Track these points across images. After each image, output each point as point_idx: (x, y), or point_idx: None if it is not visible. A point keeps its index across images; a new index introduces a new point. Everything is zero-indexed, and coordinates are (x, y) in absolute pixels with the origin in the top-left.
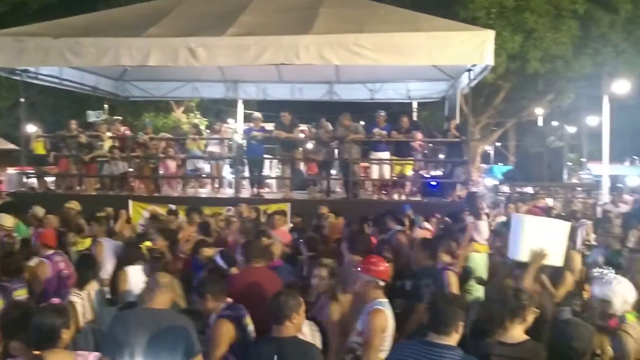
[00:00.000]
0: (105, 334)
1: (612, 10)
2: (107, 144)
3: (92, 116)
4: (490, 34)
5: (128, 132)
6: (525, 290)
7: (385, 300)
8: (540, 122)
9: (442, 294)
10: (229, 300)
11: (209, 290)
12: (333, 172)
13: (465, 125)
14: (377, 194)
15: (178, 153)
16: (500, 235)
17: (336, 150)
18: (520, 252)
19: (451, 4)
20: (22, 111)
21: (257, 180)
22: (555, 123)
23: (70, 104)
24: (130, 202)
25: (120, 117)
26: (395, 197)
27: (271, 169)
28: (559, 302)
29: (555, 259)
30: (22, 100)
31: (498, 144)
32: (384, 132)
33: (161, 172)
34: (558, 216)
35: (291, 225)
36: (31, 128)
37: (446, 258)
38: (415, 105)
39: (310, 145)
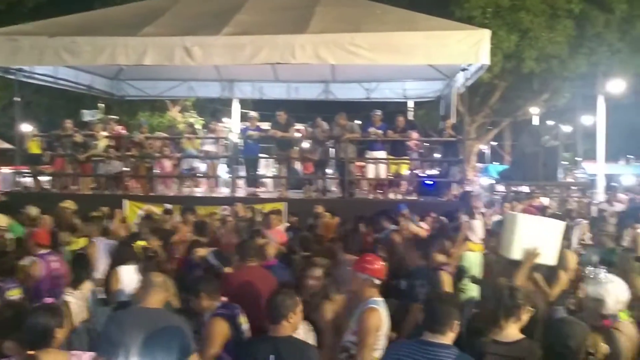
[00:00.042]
0: (100, 334)
1: (607, 10)
2: (103, 143)
3: (88, 115)
4: (486, 33)
5: (123, 132)
6: (521, 289)
7: (380, 299)
8: (535, 122)
9: (437, 293)
10: (224, 299)
11: (204, 289)
12: (329, 171)
13: (461, 125)
14: (373, 193)
15: (174, 152)
16: (495, 234)
17: (332, 150)
18: (514, 250)
19: (447, 3)
20: (17, 110)
21: (253, 180)
22: (550, 122)
23: (65, 103)
24: (126, 202)
25: (115, 117)
26: (391, 196)
27: (267, 168)
28: (553, 301)
29: (548, 257)
30: (17, 99)
31: (494, 143)
32: (380, 132)
33: (157, 171)
34: (553, 215)
35: (287, 224)
36: (26, 127)
37: (440, 258)
38: (411, 104)
39: (306, 145)
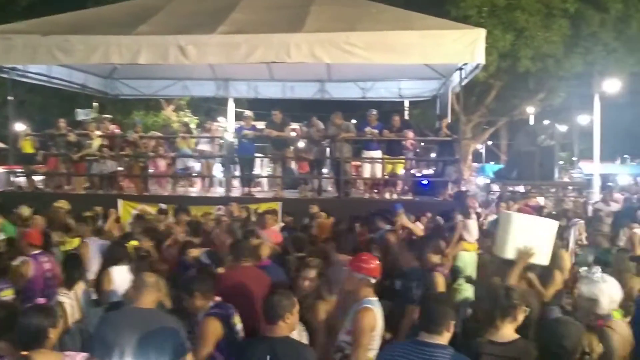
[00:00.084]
0: (93, 335)
1: (602, 9)
2: (96, 142)
3: (81, 114)
4: (482, 32)
5: (117, 131)
6: (516, 289)
7: (375, 298)
8: (531, 121)
9: (433, 294)
10: (218, 298)
11: (198, 288)
12: (324, 171)
13: (456, 124)
14: (368, 192)
15: (168, 152)
16: (491, 234)
17: (327, 149)
18: (507, 250)
19: (443, 2)
20: (10, 109)
21: (248, 179)
22: (546, 122)
23: (59, 102)
24: (120, 202)
25: (109, 116)
26: (387, 196)
27: (262, 167)
28: (548, 302)
29: (541, 257)
30: (10, 98)
31: (490, 142)
32: (376, 131)
33: (151, 171)
34: (549, 215)
35: (282, 224)
36: (19, 126)
37: (435, 259)
38: (406, 104)
39: (301, 144)
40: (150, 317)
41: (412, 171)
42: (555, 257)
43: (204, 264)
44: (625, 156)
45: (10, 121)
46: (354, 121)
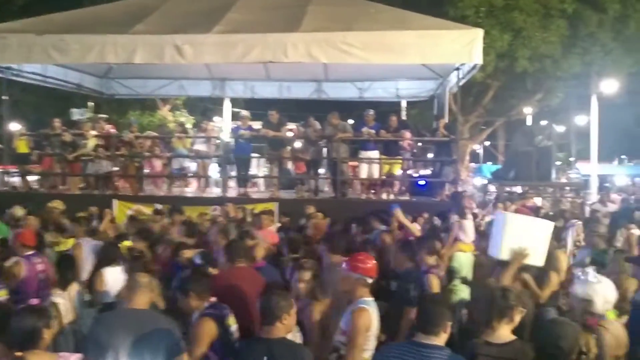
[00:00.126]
0: (87, 336)
1: (600, 10)
2: (92, 142)
3: (77, 114)
4: (479, 32)
5: (113, 131)
6: (513, 290)
7: (371, 299)
8: (529, 121)
9: (430, 295)
10: (213, 299)
11: (193, 288)
12: (321, 171)
13: (454, 124)
14: (365, 193)
15: (164, 152)
16: (488, 235)
17: (324, 149)
18: (501, 250)
19: (441, 2)
20: (4, 109)
21: (244, 180)
22: (544, 122)
23: (54, 102)
24: (115, 202)
25: (105, 115)
26: (384, 196)
27: (259, 168)
28: (544, 303)
29: (536, 258)
30: (5, 97)
31: (487, 143)
32: (373, 131)
33: (146, 171)
34: (546, 216)
35: (279, 225)
36: (14, 126)
37: (430, 260)
38: (404, 104)
39: (298, 144)
40: (144, 317)
41: (409, 172)
42: (551, 258)
43: (197, 265)
44: (623, 157)
45: (4, 121)
46: (351, 121)
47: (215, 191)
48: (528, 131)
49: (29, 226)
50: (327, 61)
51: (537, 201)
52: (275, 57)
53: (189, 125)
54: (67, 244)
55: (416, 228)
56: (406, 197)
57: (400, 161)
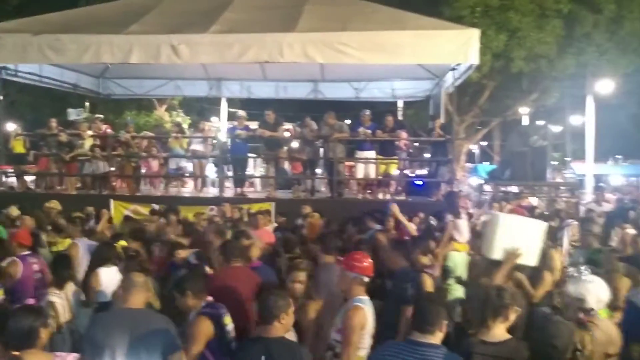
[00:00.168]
0: (84, 336)
1: (595, 10)
2: (88, 142)
3: (73, 114)
4: (475, 32)
5: (109, 131)
6: (508, 289)
7: (366, 297)
8: (524, 121)
9: (426, 294)
10: (210, 298)
11: (190, 287)
12: (318, 171)
13: (450, 124)
14: (362, 193)
15: (160, 152)
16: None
17: (321, 149)
18: (494, 250)
19: (436, 2)
20: (0, 109)
21: (241, 180)
22: (539, 122)
23: (50, 102)
24: (112, 202)
25: (101, 115)
26: (380, 196)
27: (255, 168)
28: (538, 302)
29: (529, 258)
30: (1, 97)
31: (483, 143)
32: (369, 131)
33: (143, 171)
34: (541, 215)
35: (275, 224)
36: (10, 126)
37: (424, 260)
38: (400, 104)
39: (294, 144)
40: (140, 317)
41: (406, 171)
42: (545, 258)
43: (193, 264)
44: (618, 157)
45: (1, 121)
46: (347, 121)
47: (212, 191)
48: (523, 131)
49: (25, 226)
50: (323, 61)
51: (533, 201)
52: (272, 57)
53: (185, 126)
54: (64, 244)
55: (412, 227)
56: (402, 197)
57: (397, 161)
